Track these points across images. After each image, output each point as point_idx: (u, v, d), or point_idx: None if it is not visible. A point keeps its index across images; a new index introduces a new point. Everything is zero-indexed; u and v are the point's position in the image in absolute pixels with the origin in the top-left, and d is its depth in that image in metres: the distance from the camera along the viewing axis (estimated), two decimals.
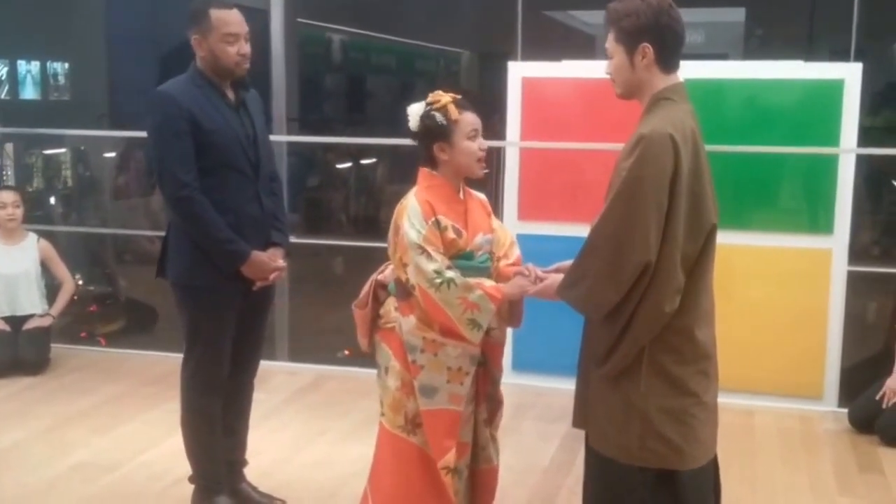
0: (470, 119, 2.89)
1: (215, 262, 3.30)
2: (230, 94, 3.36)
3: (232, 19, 3.28)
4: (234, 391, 3.57)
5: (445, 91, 2.98)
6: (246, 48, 3.31)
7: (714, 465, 2.64)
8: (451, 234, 2.86)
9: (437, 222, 2.85)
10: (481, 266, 2.93)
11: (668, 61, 2.51)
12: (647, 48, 2.48)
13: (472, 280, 2.81)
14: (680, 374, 2.46)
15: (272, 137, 5.53)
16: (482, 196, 3.06)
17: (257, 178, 3.40)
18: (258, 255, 3.36)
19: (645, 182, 2.35)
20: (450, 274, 2.78)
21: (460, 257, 2.87)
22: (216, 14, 3.25)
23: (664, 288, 2.38)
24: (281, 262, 3.46)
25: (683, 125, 2.43)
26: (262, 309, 3.60)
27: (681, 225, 2.38)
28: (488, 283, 2.85)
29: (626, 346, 2.44)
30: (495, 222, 3.06)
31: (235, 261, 3.32)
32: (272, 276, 3.43)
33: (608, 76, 2.60)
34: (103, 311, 6.31)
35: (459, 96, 2.95)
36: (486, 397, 3.01)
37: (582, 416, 2.65)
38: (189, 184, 3.22)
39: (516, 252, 3.05)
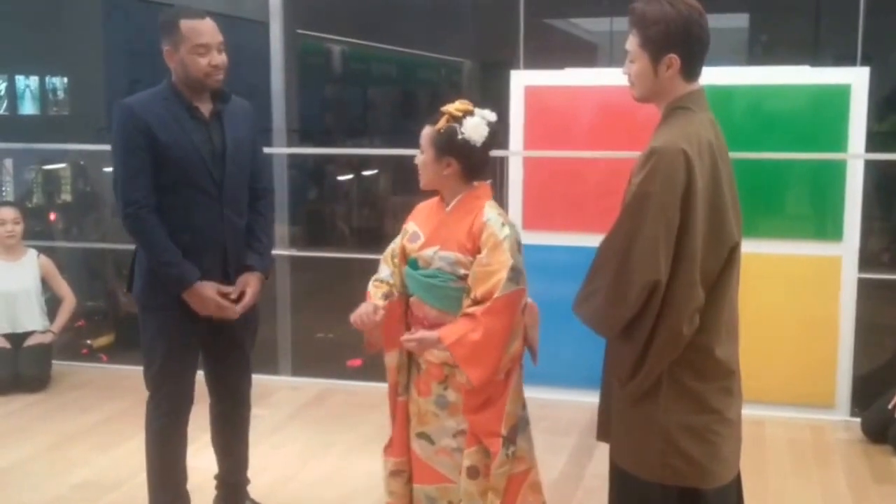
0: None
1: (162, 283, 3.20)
2: (205, 107, 3.22)
3: (203, 29, 3.14)
4: (223, 417, 3.49)
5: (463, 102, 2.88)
6: (218, 59, 3.16)
7: (737, 482, 2.59)
8: (407, 239, 2.88)
9: (406, 229, 2.91)
10: (424, 280, 2.82)
11: (692, 71, 2.44)
12: (674, 59, 2.40)
13: (372, 290, 2.89)
14: (701, 391, 2.41)
15: (272, 150, 5.52)
16: (489, 224, 2.74)
17: (221, 197, 3.22)
18: (202, 288, 3.18)
19: (652, 198, 2.29)
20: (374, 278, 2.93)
21: (408, 263, 2.87)
22: (186, 25, 3.13)
23: (681, 308, 2.32)
24: (248, 294, 3.27)
25: (699, 138, 2.36)
26: (238, 334, 3.40)
27: (698, 242, 2.32)
28: (377, 297, 2.87)
29: (648, 368, 2.39)
30: (487, 259, 2.71)
31: (177, 286, 3.17)
32: (218, 313, 3.22)
33: (626, 77, 2.51)
34: (91, 325, 6.24)
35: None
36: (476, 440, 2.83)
37: (605, 429, 2.60)
38: (137, 201, 3.11)
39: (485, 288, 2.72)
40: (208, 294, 3.20)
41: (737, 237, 2.42)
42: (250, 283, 3.32)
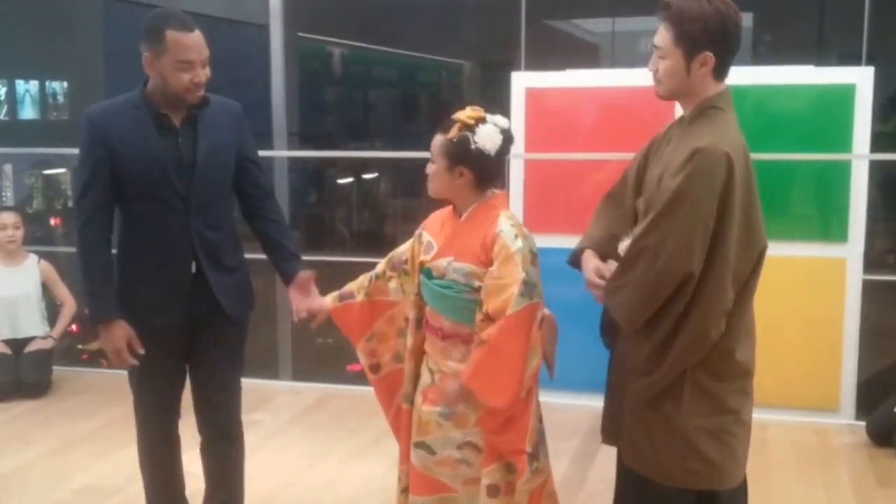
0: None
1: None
2: (177, 115, 3.04)
3: (190, 44, 2.91)
4: (213, 437, 3.32)
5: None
6: (201, 76, 2.96)
7: (745, 483, 2.61)
8: (423, 250, 2.84)
9: (420, 235, 2.87)
10: (438, 291, 2.75)
11: (723, 70, 2.44)
12: (710, 57, 2.38)
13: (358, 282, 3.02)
14: (719, 392, 2.42)
15: (273, 153, 5.50)
16: (501, 236, 2.65)
17: (187, 210, 3.04)
18: (116, 327, 3.03)
19: (691, 198, 2.29)
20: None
21: (422, 272, 2.83)
22: (173, 37, 2.89)
23: (711, 310, 2.33)
24: (311, 283, 3.15)
25: (737, 140, 2.37)
26: (216, 353, 3.22)
27: (732, 245, 2.32)
28: (334, 295, 3.03)
29: (668, 367, 2.39)
30: (498, 272, 2.62)
31: (93, 316, 3.07)
32: (115, 359, 3.07)
33: (652, 74, 2.48)
34: (84, 330, 6.20)
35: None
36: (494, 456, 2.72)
37: (614, 432, 2.59)
38: (82, 214, 3.00)
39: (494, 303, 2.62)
40: (117, 337, 3.04)
41: (765, 241, 2.42)
42: (306, 279, 3.15)
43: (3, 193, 6.66)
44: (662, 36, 2.41)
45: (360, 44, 10.59)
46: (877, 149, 4.93)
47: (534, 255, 2.67)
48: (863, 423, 4.66)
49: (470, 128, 2.68)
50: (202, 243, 3.09)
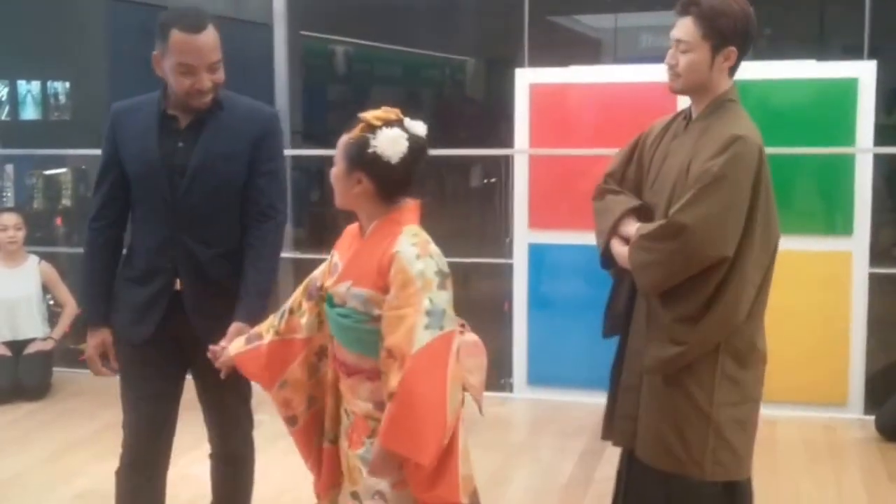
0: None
1: None
2: (185, 118, 2.83)
3: (193, 47, 2.67)
4: (220, 457, 3.20)
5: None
6: (205, 81, 2.71)
7: None
8: (329, 270, 2.49)
9: (332, 256, 2.52)
10: (339, 320, 2.38)
11: (738, 66, 2.54)
12: (734, 53, 2.48)
13: (269, 325, 2.58)
14: (743, 380, 2.48)
15: None
16: (398, 257, 2.26)
17: (175, 220, 2.82)
18: (94, 335, 2.94)
19: (730, 181, 2.35)
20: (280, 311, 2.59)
21: (325, 299, 2.45)
22: (176, 37, 2.66)
23: (739, 294, 2.37)
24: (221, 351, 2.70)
25: (759, 134, 2.45)
26: (215, 378, 2.81)
27: (758, 235, 2.39)
28: (240, 342, 2.62)
29: (692, 346, 2.41)
30: (396, 300, 2.23)
31: (85, 320, 3.02)
32: (91, 368, 3.00)
33: (669, 67, 2.53)
34: (74, 330, 6.17)
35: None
36: None
37: (625, 431, 2.60)
38: (92, 213, 2.94)
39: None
40: (92, 345, 2.96)
41: (779, 233, 2.49)
42: (227, 337, 2.76)
43: (4, 194, 6.64)
44: (688, 30, 2.46)
45: (363, 41, 10.56)
46: (880, 142, 4.91)
47: (443, 277, 2.27)
48: (872, 418, 4.63)
49: (373, 129, 2.33)
50: (187, 258, 2.85)
